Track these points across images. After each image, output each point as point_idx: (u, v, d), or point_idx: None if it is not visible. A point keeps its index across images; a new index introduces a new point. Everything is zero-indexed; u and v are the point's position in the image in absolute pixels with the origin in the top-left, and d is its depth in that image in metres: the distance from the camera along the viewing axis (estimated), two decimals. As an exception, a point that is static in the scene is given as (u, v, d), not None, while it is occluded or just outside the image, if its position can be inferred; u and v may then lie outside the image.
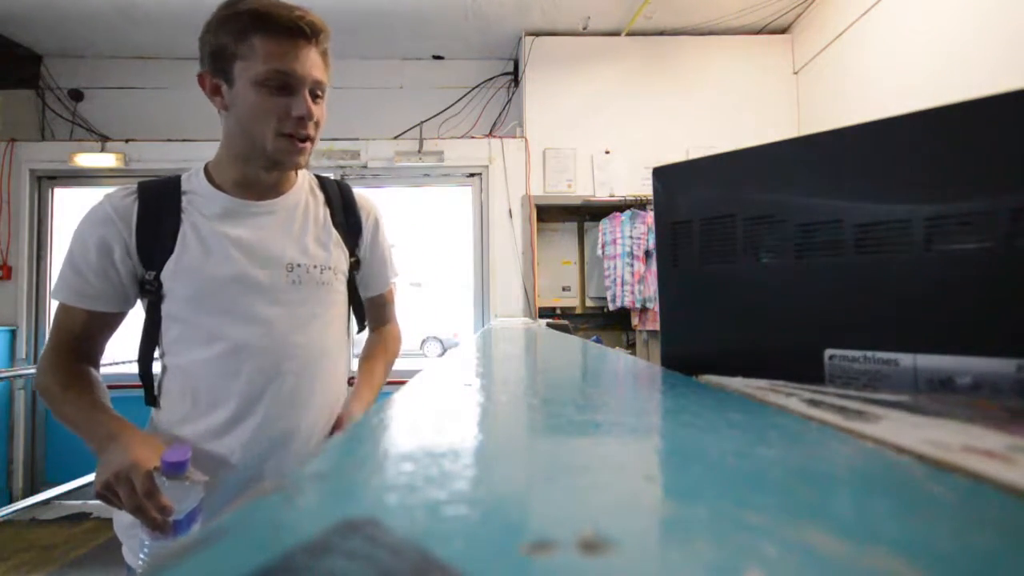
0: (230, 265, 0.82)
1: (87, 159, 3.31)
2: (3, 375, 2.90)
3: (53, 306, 3.13)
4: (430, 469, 0.21)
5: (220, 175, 0.86)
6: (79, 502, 3.11)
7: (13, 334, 3.26)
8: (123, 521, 0.82)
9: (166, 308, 0.82)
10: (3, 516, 2.26)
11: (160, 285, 0.81)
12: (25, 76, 3.62)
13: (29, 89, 3.63)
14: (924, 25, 2.47)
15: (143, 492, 0.67)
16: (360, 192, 1.02)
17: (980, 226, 0.35)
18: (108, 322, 0.85)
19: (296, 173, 0.92)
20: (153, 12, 3.17)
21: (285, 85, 0.77)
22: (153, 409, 0.87)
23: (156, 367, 0.88)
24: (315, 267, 0.89)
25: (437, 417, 0.32)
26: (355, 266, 0.98)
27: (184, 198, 0.84)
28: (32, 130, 3.59)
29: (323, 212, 0.94)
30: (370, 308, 1.08)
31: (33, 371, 3.03)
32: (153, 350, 0.85)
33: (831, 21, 3.09)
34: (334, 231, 0.94)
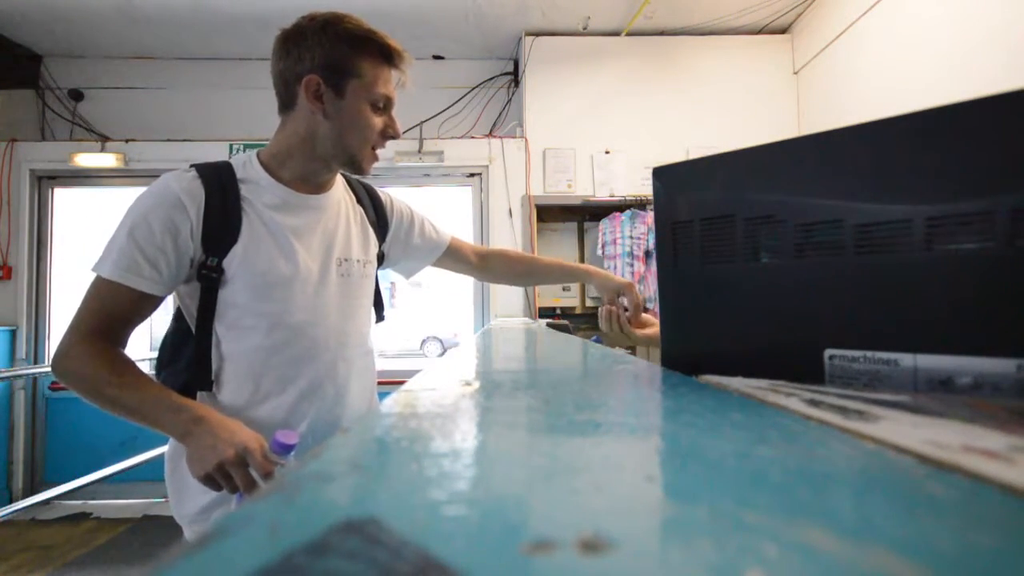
0: (292, 256, 0.86)
1: (87, 159, 3.31)
2: (3, 375, 2.90)
3: (53, 306, 3.12)
4: (430, 469, 0.21)
5: (281, 168, 0.89)
6: (79, 502, 3.11)
7: (13, 334, 3.26)
8: (191, 509, 0.83)
9: (225, 294, 0.83)
10: (3, 516, 2.26)
11: (223, 271, 0.82)
12: (25, 76, 3.61)
13: (29, 89, 3.62)
14: (924, 25, 2.47)
15: (264, 471, 0.72)
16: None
17: (980, 226, 0.35)
18: (150, 308, 0.82)
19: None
20: (153, 12, 3.17)
21: (386, 107, 0.88)
22: (202, 393, 0.86)
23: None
24: (358, 261, 0.97)
25: (437, 417, 0.32)
26: (380, 259, 1.06)
27: (243, 186, 0.86)
28: (32, 130, 3.59)
29: (358, 210, 1.01)
30: (454, 254, 1.19)
31: (34, 371, 2.98)
32: (210, 334, 0.84)
33: (831, 21, 3.09)
34: (369, 227, 1.02)
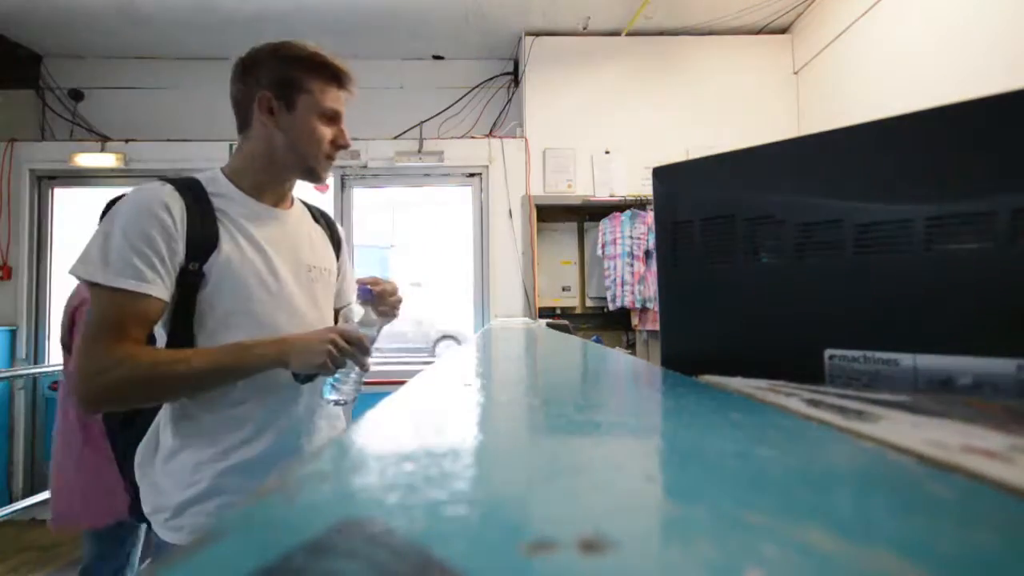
0: (268, 261, 0.91)
1: (87, 159, 3.31)
2: (3, 375, 2.90)
3: (53, 306, 3.12)
4: (430, 469, 0.21)
5: (243, 181, 0.95)
6: (79, 502, 3.11)
7: (13, 334, 3.25)
8: (168, 503, 0.85)
9: (205, 298, 0.86)
10: (3, 516, 2.26)
11: (203, 276, 0.86)
12: (25, 76, 3.61)
13: (29, 89, 3.62)
14: (924, 25, 2.47)
15: (356, 340, 0.87)
16: None
17: (980, 226, 0.35)
18: (158, 315, 0.83)
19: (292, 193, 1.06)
20: (153, 12, 3.17)
21: (334, 119, 0.96)
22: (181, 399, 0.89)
23: None
24: (325, 269, 1.03)
25: (437, 417, 0.32)
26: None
27: (214, 199, 0.90)
28: (32, 130, 3.59)
29: (317, 227, 1.08)
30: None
31: (34, 371, 2.98)
32: (192, 338, 0.87)
33: (831, 21, 3.09)
34: (328, 243, 1.09)
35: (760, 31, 3.52)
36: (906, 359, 0.38)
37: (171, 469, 0.87)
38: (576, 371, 0.62)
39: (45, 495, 2.50)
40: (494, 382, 0.50)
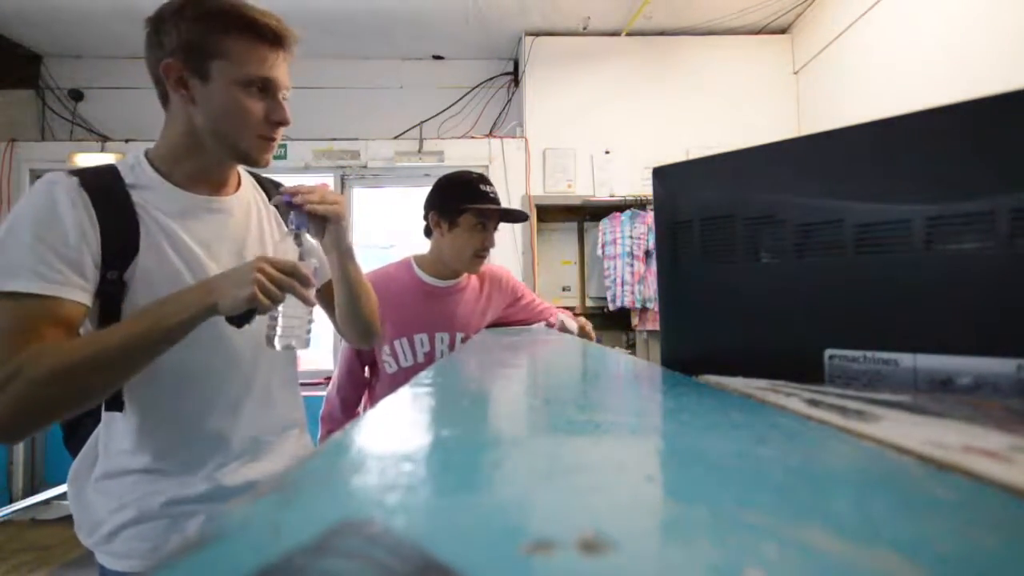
0: (199, 266, 0.79)
1: (87, 159, 3.31)
2: (3, 375, 2.89)
3: (53, 306, 3.02)
4: (430, 469, 0.21)
5: (171, 167, 0.81)
6: (79, 502, 3.11)
7: (13, 334, 3.25)
8: (100, 533, 0.78)
9: (129, 309, 0.75)
10: (3, 516, 2.26)
11: (124, 285, 0.74)
12: (25, 76, 3.61)
13: (29, 89, 3.62)
14: (924, 25, 2.47)
15: (290, 268, 0.72)
16: None
17: (980, 226, 0.35)
18: (77, 319, 0.70)
19: (239, 169, 0.91)
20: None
21: (265, 89, 0.78)
22: (117, 414, 0.79)
23: None
24: None
25: (437, 417, 0.32)
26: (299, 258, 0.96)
27: (133, 192, 0.77)
28: (32, 130, 3.58)
29: (272, 210, 0.93)
30: (329, 294, 1.01)
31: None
32: None
33: (831, 21, 3.09)
34: (284, 226, 0.92)
35: (760, 31, 3.52)
36: (906, 359, 0.38)
37: (101, 487, 0.79)
38: (576, 371, 0.62)
39: (45, 495, 2.50)
40: (494, 382, 0.50)
